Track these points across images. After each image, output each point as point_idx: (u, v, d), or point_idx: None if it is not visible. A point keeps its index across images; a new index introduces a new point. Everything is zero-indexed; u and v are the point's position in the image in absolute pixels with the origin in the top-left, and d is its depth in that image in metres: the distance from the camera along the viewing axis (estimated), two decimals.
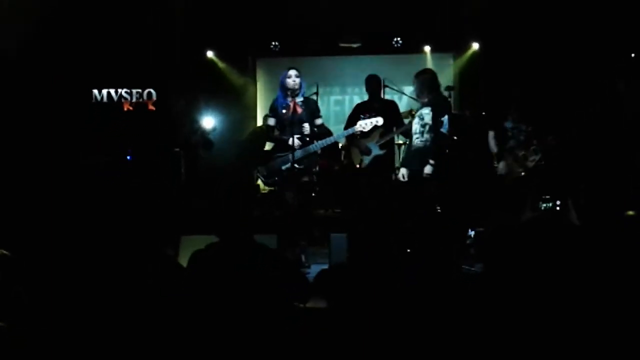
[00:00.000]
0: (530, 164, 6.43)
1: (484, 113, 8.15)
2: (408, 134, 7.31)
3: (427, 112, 6.28)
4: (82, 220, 5.02)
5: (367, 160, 7.28)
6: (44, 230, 4.84)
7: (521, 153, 6.49)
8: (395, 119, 7.05)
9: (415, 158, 6.33)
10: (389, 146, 7.48)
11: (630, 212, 2.90)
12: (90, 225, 4.53)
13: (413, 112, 7.06)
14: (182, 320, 3.09)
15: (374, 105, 7.28)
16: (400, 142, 8.07)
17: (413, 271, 3.12)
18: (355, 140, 7.15)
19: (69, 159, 7.73)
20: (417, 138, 6.31)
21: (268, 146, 6.83)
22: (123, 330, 3.01)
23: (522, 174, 6.49)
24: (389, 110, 6.98)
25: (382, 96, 7.54)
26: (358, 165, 7.47)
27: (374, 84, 7.50)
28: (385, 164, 7.40)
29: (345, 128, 6.97)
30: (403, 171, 6.47)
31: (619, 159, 6.79)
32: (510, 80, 8.01)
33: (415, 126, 6.34)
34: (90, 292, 3.11)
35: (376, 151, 7.20)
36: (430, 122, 6.23)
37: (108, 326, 3.02)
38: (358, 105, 7.63)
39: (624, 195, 6.01)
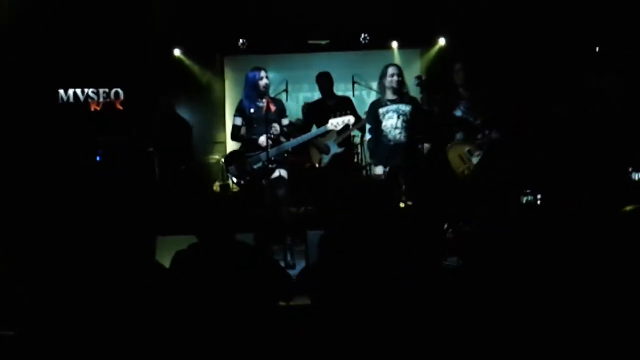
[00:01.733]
0: (475, 159, 6.52)
1: (451, 109, 8.23)
2: (363, 129, 7.35)
3: (408, 109, 6.32)
4: (55, 222, 4.95)
5: (326, 159, 7.27)
6: (18, 233, 4.77)
7: (466, 149, 6.57)
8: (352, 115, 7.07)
9: (396, 154, 6.32)
10: (347, 143, 7.49)
11: (629, 207, 2.96)
12: (66, 227, 4.47)
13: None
14: (167, 320, 3.08)
15: (327, 103, 7.31)
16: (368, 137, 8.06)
17: (406, 272, 3.13)
18: (314, 139, 7.11)
19: (37, 161, 7.61)
20: (399, 133, 6.31)
21: (236, 146, 6.79)
22: (110, 331, 2.98)
23: (467, 170, 6.57)
24: (345, 106, 6.98)
25: (335, 92, 7.55)
26: (317, 165, 7.46)
27: (325, 82, 7.51)
28: (345, 161, 7.42)
29: (304, 129, 6.94)
30: (378, 169, 6.44)
31: (597, 154, 6.93)
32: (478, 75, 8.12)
33: (395, 121, 6.33)
34: (76, 293, 3.08)
35: (335, 149, 7.20)
36: (410, 118, 6.29)
37: (95, 326, 2.99)
38: (311, 104, 7.62)
39: (614, 191, 6.11)
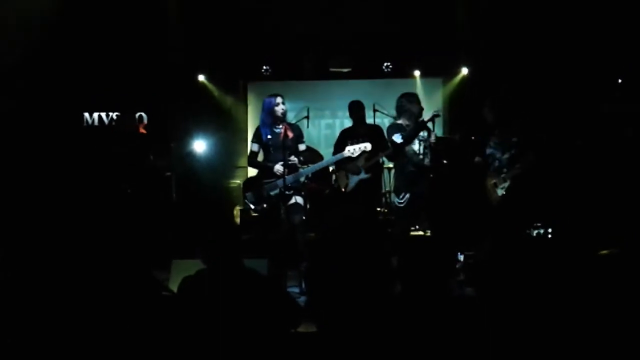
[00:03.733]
0: (500, 191, 6.46)
1: (472, 137, 8.21)
2: (393, 157, 7.37)
3: (426, 135, 6.32)
4: (72, 242, 5.00)
5: (352, 183, 7.32)
6: (33, 253, 4.82)
7: (492, 181, 6.52)
8: (380, 144, 7.09)
9: (418, 181, 6.30)
10: (375, 170, 7.53)
11: (604, 251, 2.93)
12: (81, 248, 4.52)
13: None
14: (172, 347, 3.09)
15: (359, 130, 7.35)
16: (391, 165, 8.12)
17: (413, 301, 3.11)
18: (343, 163, 7.19)
19: (60, 181, 7.71)
20: (421, 160, 6.32)
21: (255, 172, 6.85)
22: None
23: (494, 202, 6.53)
24: (374, 134, 7.02)
25: (366, 121, 7.62)
26: (343, 189, 7.52)
27: (357, 110, 7.57)
28: (371, 187, 7.44)
29: (334, 154, 7.02)
30: (399, 196, 6.39)
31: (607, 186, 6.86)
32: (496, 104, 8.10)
33: (417, 147, 6.32)
34: (78, 315, 3.10)
35: (362, 175, 7.26)
36: (431, 145, 6.29)
37: (95, 351, 3.01)
38: (343, 131, 7.70)
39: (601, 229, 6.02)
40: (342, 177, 7.65)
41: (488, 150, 6.59)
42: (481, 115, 6.57)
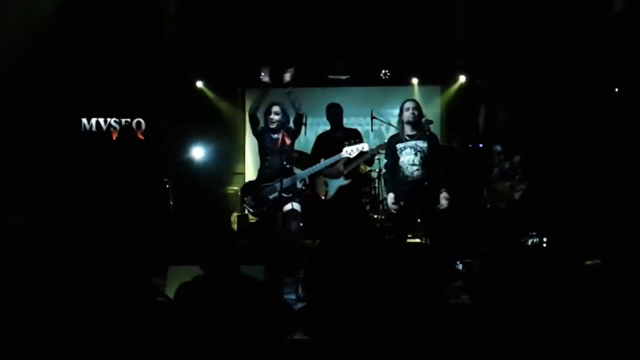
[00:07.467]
0: (518, 194, 6.42)
1: (470, 145, 8.21)
2: (370, 162, 7.32)
3: (425, 146, 6.19)
4: (69, 249, 4.99)
5: (332, 191, 7.25)
6: (31, 260, 4.81)
7: (507, 184, 6.48)
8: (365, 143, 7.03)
9: (413, 191, 6.19)
10: (354, 176, 7.45)
11: (589, 262, 2.94)
12: (78, 254, 4.51)
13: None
14: (168, 353, 3.07)
15: (336, 134, 7.32)
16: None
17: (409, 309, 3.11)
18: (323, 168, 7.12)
19: (58, 187, 7.70)
20: (416, 170, 6.18)
21: (253, 175, 6.85)
22: None
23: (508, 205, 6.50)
24: (352, 139, 6.95)
25: (344, 125, 7.59)
26: (323, 197, 7.42)
27: (334, 113, 7.54)
28: (351, 193, 7.39)
29: (312, 160, 6.97)
30: (389, 197, 6.30)
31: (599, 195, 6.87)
32: (497, 112, 8.14)
33: (412, 157, 6.20)
34: (76, 322, 3.09)
35: (340, 181, 7.19)
36: (428, 155, 6.17)
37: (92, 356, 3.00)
38: (320, 136, 7.64)
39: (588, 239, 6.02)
40: (320, 184, 7.54)
41: (499, 148, 6.58)
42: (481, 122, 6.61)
